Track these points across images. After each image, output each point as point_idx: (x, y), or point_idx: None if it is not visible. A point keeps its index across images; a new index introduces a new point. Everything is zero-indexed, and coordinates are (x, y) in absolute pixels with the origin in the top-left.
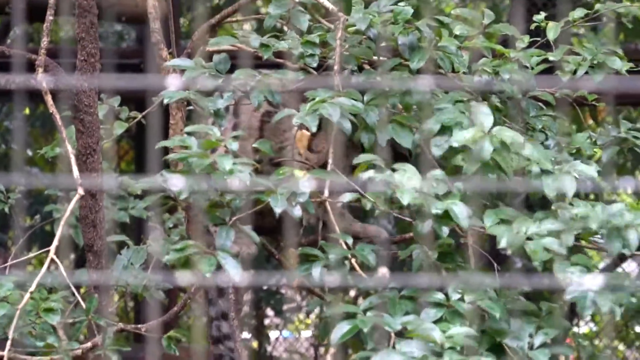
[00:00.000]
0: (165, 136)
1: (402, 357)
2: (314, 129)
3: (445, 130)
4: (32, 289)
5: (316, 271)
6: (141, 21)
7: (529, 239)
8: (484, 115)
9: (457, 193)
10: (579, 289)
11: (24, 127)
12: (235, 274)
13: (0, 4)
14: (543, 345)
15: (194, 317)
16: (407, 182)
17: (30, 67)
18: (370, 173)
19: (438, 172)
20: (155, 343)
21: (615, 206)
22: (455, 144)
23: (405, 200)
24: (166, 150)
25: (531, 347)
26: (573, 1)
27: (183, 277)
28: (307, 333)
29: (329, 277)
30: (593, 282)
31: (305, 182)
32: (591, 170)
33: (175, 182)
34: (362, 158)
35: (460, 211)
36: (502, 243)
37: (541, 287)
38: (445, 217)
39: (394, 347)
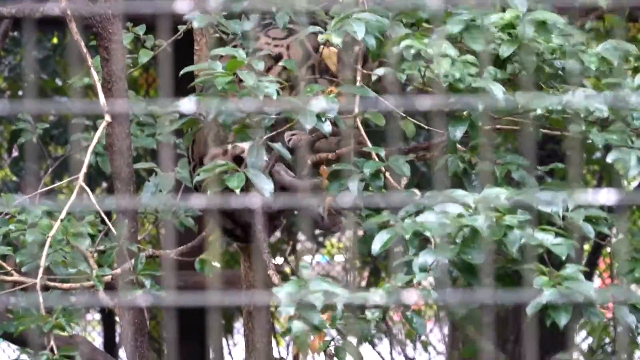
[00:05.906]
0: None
1: (437, 216)
2: (340, 45)
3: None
4: (62, 215)
5: (353, 185)
6: None
7: None
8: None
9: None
10: None
11: (53, 56)
12: (266, 190)
13: None
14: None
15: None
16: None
17: None
18: (407, 42)
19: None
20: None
21: None
22: (493, 29)
23: (442, 69)
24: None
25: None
26: None
27: (199, 201)
28: (340, 257)
29: (358, 198)
30: None
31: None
32: None
33: (187, 105)
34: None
35: (495, 88)
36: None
37: None
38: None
39: None
